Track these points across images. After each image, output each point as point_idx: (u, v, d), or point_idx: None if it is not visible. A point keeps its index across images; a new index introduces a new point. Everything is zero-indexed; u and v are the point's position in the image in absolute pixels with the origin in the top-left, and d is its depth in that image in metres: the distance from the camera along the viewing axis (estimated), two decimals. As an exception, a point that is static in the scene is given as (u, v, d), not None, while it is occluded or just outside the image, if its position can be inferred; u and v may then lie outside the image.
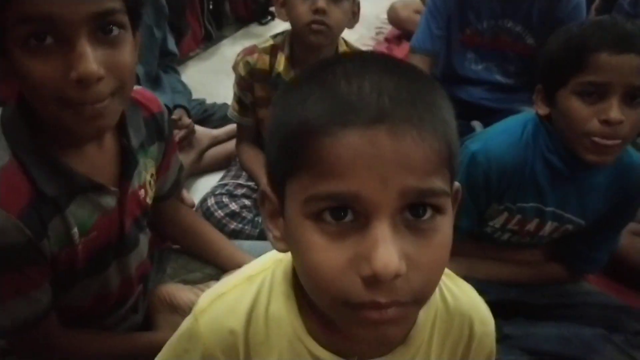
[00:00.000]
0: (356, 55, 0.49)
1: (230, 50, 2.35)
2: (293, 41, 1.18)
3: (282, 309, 0.48)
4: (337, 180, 0.37)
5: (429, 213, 0.39)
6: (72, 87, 0.56)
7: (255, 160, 1.29)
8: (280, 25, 2.63)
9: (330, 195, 0.38)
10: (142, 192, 0.81)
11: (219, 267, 0.96)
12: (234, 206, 1.22)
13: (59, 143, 0.66)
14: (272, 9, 2.70)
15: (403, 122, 0.37)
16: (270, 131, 0.44)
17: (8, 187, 0.62)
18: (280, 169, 0.42)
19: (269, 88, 1.21)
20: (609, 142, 0.83)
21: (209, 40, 2.29)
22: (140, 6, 0.63)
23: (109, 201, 0.72)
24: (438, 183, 0.39)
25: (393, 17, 2.42)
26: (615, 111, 0.80)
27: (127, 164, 0.75)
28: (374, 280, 0.37)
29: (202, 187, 1.47)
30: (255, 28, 2.60)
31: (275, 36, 1.22)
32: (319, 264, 0.39)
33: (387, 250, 0.37)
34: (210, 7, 2.19)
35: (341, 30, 1.15)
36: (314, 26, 1.09)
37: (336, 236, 0.39)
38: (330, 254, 0.38)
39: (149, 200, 0.84)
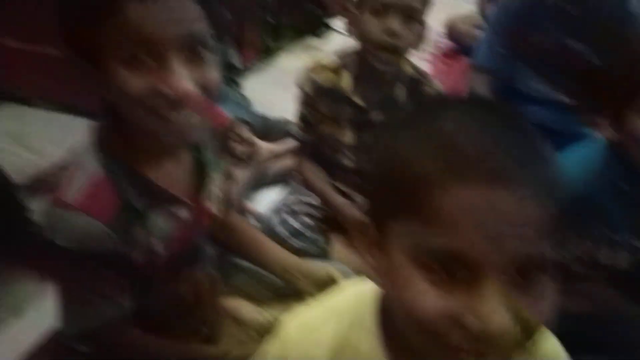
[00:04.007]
0: (466, 103, 0.49)
1: (288, 62, 2.39)
2: (359, 59, 1.18)
3: (372, 349, 0.48)
4: (452, 236, 0.37)
5: (536, 275, 0.40)
6: (166, 102, 0.61)
7: (317, 177, 1.30)
8: (338, 38, 2.67)
9: (444, 251, 0.38)
10: (211, 204, 0.85)
11: (269, 269, 0.97)
12: (296, 224, 1.23)
13: (144, 156, 0.71)
14: (329, 21, 2.74)
15: (523, 183, 0.37)
16: (377, 170, 0.44)
17: (98, 196, 0.67)
18: (386, 207, 0.42)
19: (333, 105, 1.22)
20: None
21: (266, 52, 2.33)
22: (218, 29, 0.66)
23: (184, 213, 0.77)
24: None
25: (451, 31, 2.41)
26: None
27: (200, 178, 0.79)
28: (483, 335, 0.38)
29: (263, 201, 1.50)
30: (312, 40, 2.64)
31: (340, 53, 1.23)
32: (426, 308, 0.39)
33: (502, 313, 0.37)
34: (269, 19, 2.22)
35: (409, 52, 1.15)
36: (384, 47, 1.09)
37: (446, 287, 0.39)
38: (438, 301, 0.39)
39: (216, 212, 0.87)
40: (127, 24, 0.57)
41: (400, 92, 1.19)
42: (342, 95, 1.20)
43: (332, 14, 2.78)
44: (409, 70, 1.21)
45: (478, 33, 2.42)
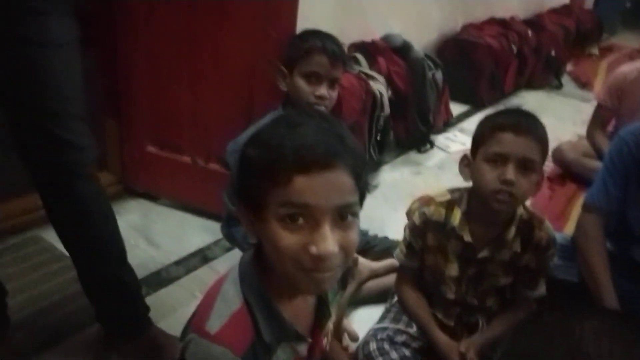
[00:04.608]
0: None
1: (389, 175, 2.48)
2: (471, 198, 1.21)
3: None
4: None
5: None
6: (311, 258, 0.68)
7: (418, 306, 1.31)
8: (438, 155, 2.75)
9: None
10: (325, 339, 0.89)
11: None
12: (394, 355, 1.23)
13: (279, 294, 0.78)
14: (432, 138, 2.83)
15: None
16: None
17: (237, 329, 0.73)
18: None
19: (441, 239, 1.24)
20: None
21: (370, 166, 2.43)
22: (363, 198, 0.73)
23: (303, 349, 0.82)
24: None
25: (559, 157, 2.40)
26: None
27: (321, 315, 0.85)
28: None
29: (359, 318, 1.52)
30: (414, 155, 2.72)
31: (452, 191, 1.27)
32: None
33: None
34: (378, 137, 2.34)
35: (525, 200, 1.16)
36: (499, 196, 1.10)
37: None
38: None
39: (327, 347, 0.91)
40: (293, 191, 0.66)
41: (511, 234, 1.20)
42: (451, 230, 1.22)
43: (436, 131, 2.88)
44: (523, 213, 1.22)
45: (584, 161, 2.40)
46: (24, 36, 0.97)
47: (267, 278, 0.76)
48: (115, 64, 1.88)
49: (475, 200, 1.20)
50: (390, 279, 1.55)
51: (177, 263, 1.72)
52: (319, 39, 1.44)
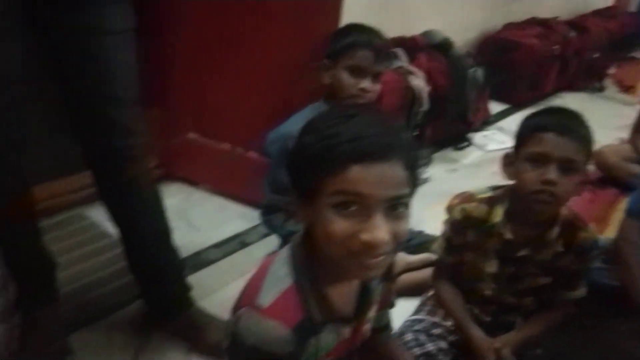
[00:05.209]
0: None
1: (426, 171, 2.47)
2: (513, 197, 1.21)
3: None
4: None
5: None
6: (361, 244, 0.69)
7: (454, 301, 1.32)
8: (474, 153, 2.73)
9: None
10: (367, 325, 0.92)
11: None
12: (430, 347, 1.24)
13: (328, 278, 0.80)
14: (470, 135, 2.81)
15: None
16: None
17: (287, 305, 0.77)
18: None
19: (481, 236, 1.24)
20: None
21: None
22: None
23: (347, 331, 0.85)
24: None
25: (600, 161, 2.35)
26: None
27: (364, 302, 0.87)
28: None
29: (394, 311, 1.53)
30: (451, 153, 2.71)
31: (494, 188, 1.26)
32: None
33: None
34: (415, 133, 2.34)
35: (566, 200, 1.15)
36: (540, 196, 1.10)
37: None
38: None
39: (368, 333, 0.93)
40: (348, 180, 0.68)
41: (553, 234, 1.19)
42: (492, 227, 1.22)
43: (474, 129, 2.86)
44: (565, 213, 1.21)
45: (626, 165, 2.35)
46: (87, 25, 1.01)
47: (316, 261, 0.79)
48: (161, 54, 1.92)
49: (516, 199, 1.20)
50: (425, 272, 1.56)
51: (216, 246, 1.76)
52: (364, 33, 1.46)
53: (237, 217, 1.93)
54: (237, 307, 0.80)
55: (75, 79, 1.06)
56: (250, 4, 1.75)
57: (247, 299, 0.79)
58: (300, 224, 1.58)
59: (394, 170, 0.69)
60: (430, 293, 1.43)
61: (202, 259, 1.68)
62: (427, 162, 2.49)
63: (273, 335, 0.73)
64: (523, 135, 1.16)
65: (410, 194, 0.73)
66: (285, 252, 0.82)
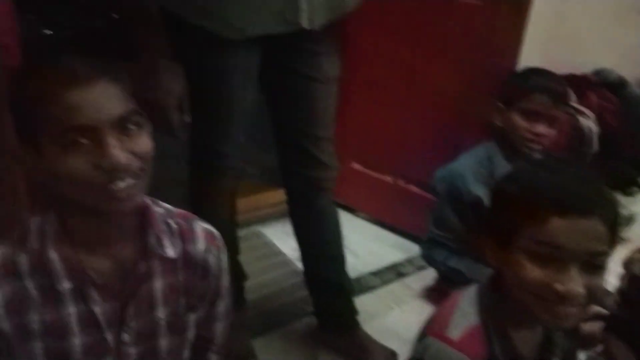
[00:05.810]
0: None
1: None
2: None
3: None
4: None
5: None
6: (555, 295, 0.71)
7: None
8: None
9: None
10: None
11: None
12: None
13: (512, 323, 0.82)
14: (641, 180, 2.61)
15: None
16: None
17: (473, 343, 0.80)
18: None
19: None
20: None
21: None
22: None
23: None
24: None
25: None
26: None
27: (547, 350, 0.89)
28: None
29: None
30: (619, 198, 2.53)
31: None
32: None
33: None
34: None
35: None
36: None
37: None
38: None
39: None
40: (548, 231, 0.71)
41: None
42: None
43: (646, 174, 2.65)
44: None
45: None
46: (303, 72, 1.18)
47: (503, 303, 0.82)
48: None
49: None
50: (591, 325, 1.49)
51: (374, 274, 1.85)
52: (542, 78, 1.47)
53: (393, 247, 2.01)
54: (423, 335, 0.87)
55: (286, 117, 1.24)
56: (426, 36, 1.81)
57: (434, 330, 0.85)
58: (461, 264, 1.61)
59: (595, 227, 0.71)
60: (599, 349, 1.37)
61: (361, 285, 1.78)
62: (630, 222, 2.36)
63: None
64: None
65: (609, 251, 0.74)
66: (474, 290, 0.87)
